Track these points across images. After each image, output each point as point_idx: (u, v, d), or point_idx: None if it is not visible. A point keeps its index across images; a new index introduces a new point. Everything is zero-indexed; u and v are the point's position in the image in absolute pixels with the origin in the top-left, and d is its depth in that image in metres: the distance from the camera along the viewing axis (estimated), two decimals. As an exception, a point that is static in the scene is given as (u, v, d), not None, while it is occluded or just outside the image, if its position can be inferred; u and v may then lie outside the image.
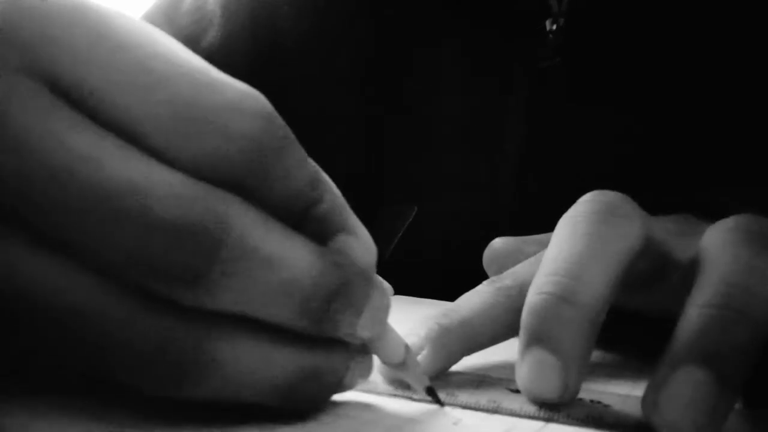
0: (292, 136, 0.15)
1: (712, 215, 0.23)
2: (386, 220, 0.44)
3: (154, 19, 0.50)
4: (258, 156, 0.14)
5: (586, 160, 0.38)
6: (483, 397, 0.19)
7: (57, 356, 0.15)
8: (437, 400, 0.19)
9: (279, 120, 0.15)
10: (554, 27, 0.37)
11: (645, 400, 0.17)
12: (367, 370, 0.18)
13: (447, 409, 0.18)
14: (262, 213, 0.15)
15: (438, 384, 0.20)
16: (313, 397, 0.16)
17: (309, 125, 0.47)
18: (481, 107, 0.41)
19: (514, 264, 0.24)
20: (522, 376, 0.18)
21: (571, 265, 0.19)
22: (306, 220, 0.16)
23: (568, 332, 0.18)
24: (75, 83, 0.14)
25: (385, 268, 0.42)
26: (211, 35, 0.48)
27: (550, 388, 0.18)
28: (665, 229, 0.23)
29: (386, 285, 0.18)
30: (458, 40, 0.42)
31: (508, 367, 0.23)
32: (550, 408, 0.18)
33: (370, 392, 0.19)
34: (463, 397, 0.19)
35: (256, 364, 0.15)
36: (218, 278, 0.14)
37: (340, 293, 0.15)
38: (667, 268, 0.22)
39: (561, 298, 0.18)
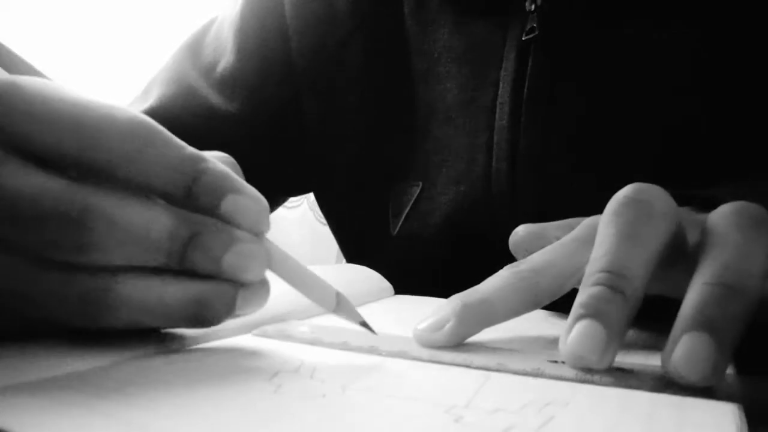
0: (161, 133, 0.21)
1: (709, 209, 0.26)
2: (395, 198, 0.48)
3: (180, 55, 0.54)
4: (124, 152, 0.21)
5: (577, 141, 0.41)
6: (528, 365, 0.22)
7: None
8: (371, 330, 0.24)
9: (141, 123, 0.21)
10: (533, 7, 0.42)
11: (663, 358, 0.21)
12: (258, 302, 0.23)
13: (449, 406, 0.19)
14: (124, 194, 0.21)
15: (486, 356, 0.23)
16: (206, 319, 0.22)
17: (323, 122, 0.51)
18: (473, 87, 0.44)
19: (539, 248, 0.28)
20: (570, 341, 0.21)
21: (619, 264, 0.23)
22: (195, 190, 0.21)
23: (616, 312, 0.22)
24: (7, 134, 0.20)
25: (385, 268, 0.44)
26: (225, 60, 0.52)
27: (594, 351, 0.21)
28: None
29: (267, 245, 0.23)
30: (450, 27, 0.46)
31: (542, 343, 0.27)
32: (585, 372, 0.21)
33: (372, 391, 0.20)
34: (512, 365, 0.22)
35: (150, 296, 0.21)
36: (96, 243, 0.20)
37: (194, 239, 0.21)
38: (678, 255, 0.26)
39: (612, 288, 0.22)
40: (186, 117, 0.50)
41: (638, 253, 0.23)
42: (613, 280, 0.22)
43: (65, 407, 0.17)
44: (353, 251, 0.54)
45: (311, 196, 0.59)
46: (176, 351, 0.23)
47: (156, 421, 0.16)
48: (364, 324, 0.24)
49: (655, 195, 0.25)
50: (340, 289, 0.25)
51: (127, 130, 0.21)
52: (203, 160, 0.22)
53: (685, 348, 0.20)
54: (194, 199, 0.21)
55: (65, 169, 0.21)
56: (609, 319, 0.21)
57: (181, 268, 0.21)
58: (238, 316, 0.23)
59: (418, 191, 0.46)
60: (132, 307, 0.21)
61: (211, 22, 0.56)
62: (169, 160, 0.21)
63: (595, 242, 0.24)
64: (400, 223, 0.47)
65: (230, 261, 0.21)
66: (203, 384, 0.20)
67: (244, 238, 0.22)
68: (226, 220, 0.22)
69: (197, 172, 0.21)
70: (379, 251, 0.48)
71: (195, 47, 0.54)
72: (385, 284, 0.42)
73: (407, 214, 0.46)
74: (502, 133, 0.42)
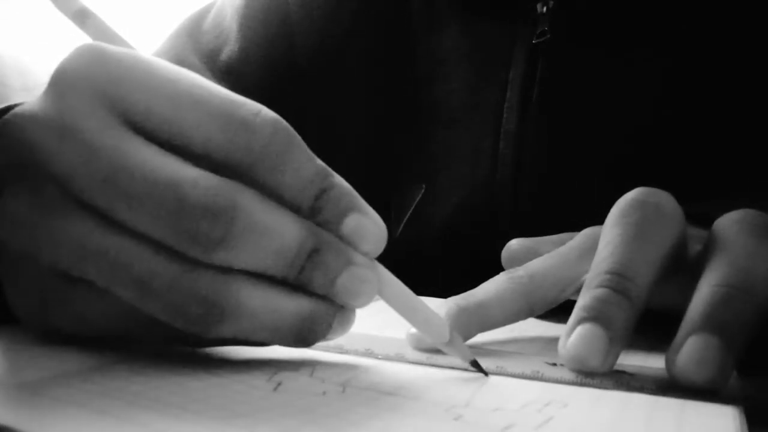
0: (298, 140, 0.20)
1: (702, 225, 0.26)
2: (397, 200, 0.47)
3: (178, 39, 0.53)
4: (267, 155, 0.20)
5: (583, 152, 0.41)
6: (527, 368, 0.22)
7: (112, 321, 0.21)
8: (483, 371, 0.22)
9: (284, 127, 0.20)
10: (545, 9, 0.41)
11: (667, 359, 0.20)
12: (347, 326, 0.22)
13: (449, 405, 0.19)
14: (264, 198, 0.20)
15: (484, 359, 0.23)
16: (307, 339, 0.21)
17: (325, 120, 0.50)
18: (480, 89, 0.44)
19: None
20: (570, 345, 0.21)
21: (625, 266, 0.22)
22: (321, 203, 0.20)
23: (619, 315, 0.21)
24: (136, 111, 0.19)
25: (388, 266, 0.44)
26: (228, 49, 0.51)
27: (595, 355, 0.21)
28: None
29: (386, 275, 0.22)
30: (458, 27, 0.45)
31: (541, 344, 0.27)
32: (584, 376, 0.21)
33: (372, 389, 0.20)
34: (511, 368, 0.22)
35: (266, 307, 0.20)
36: (234, 242, 0.19)
37: (315, 254, 0.20)
38: (681, 264, 0.25)
39: (617, 291, 0.22)
40: None
41: (645, 255, 0.23)
42: (618, 282, 0.22)
43: (67, 405, 0.17)
44: None
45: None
46: (177, 351, 0.23)
47: (157, 420, 0.16)
48: (476, 363, 0.22)
49: (664, 198, 0.25)
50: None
51: (272, 131, 0.20)
52: (332, 174, 0.21)
53: (691, 350, 0.20)
54: (318, 212, 0.20)
55: (197, 160, 0.20)
56: (612, 322, 0.21)
57: (296, 282, 0.20)
58: (327, 339, 0.22)
59: (420, 194, 0.46)
60: (247, 314, 0.20)
61: (210, 6, 0.54)
62: (305, 169, 0.20)
63: (600, 243, 0.24)
64: (401, 226, 0.46)
65: (345, 284, 0.20)
66: (204, 382, 0.20)
67: (361, 262, 0.21)
68: (345, 239, 0.21)
69: (327, 185, 0.20)
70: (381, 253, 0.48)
71: (194, 31, 0.53)
72: (384, 273, 0.42)
73: (409, 216, 0.46)
74: (508, 138, 0.42)
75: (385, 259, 0.50)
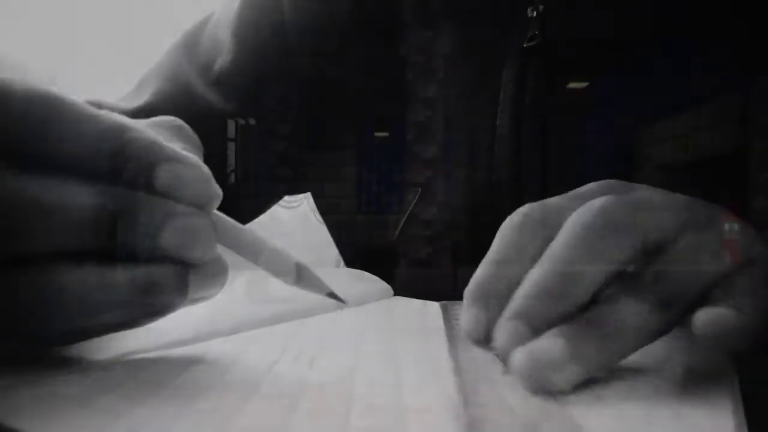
0: (69, 103, 0.19)
1: None
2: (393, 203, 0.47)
3: (176, 52, 0.54)
4: (28, 129, 0.18)
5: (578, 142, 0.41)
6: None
7: None
8: (339, 299, 0.23)
9: (44, 93, 0.18)
10: (534, 14, 0.42)
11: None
12: (214, 283, 0.21)
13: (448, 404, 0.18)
14: (32, 175, 0.18)
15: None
16: (157, 306, 0.20)
17: (320, 120, 0.50)
18: (473, 91, 0.45)
19: None
20: (497, 338, 0.21)
21: (571, 266, 0.21)
22: (120, 163, 0.19)
23: (545, 314, 0.21)
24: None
25: (384, 272, 0.45)
26: (222, 59, 0.52)
27: (513, 345, 0.20)
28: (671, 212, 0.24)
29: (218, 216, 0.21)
30: (450, 30, 0.46)
31: None
32: None
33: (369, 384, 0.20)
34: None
35: (91, 284, 0.18)
36: (19, 229, 0.18)
37: (123, 217, 0.19)
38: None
39: (553, 287, 0.21)
40: (182, 115, 0.50)
41: (592, 260, 0.21)
42: (559, 280, 0.21)
43: (67, 404, 0.17)
44: (352, 255, 0.54)
45: (311, 197, 0.58)
46: (175, 346, 0.23)
47: (156, 417, 0.16)
48: (332, 295, 0.23)
49: (624, 212, 0.23)
50: (341, 290, 0.24)
51: (26, 101, 0.18)
52: (127, 129, 0.19)
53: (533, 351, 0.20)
54: (122, 174, 0.19)
55: None
56: (534, 319, 0.21)
57: (116, 252, 0.19)
58: (195, 301, 0.21)
59: (416, 196, 0.46)
60: (73, 298, 0.18)
61: (207, 19, 0.56)
62: (85, 132, 0.19)
63: (550, 245, 0.23)
64: (399, 228, 0.47)
65: (169, 239, 0.19)
66: (202, 377, 0.20)
67: (183, 212, 0.19)
68: (165, 195, 0.20)
69: (121, 143, 0.19)
70: (378, 255, 0.48)
71: (191, 44, 0.54)
72: (385, 286, 0.42)
73: (406, 218, 0.46)
74: (502, 140, 0.43)
75: (383, 261, 0.51)
